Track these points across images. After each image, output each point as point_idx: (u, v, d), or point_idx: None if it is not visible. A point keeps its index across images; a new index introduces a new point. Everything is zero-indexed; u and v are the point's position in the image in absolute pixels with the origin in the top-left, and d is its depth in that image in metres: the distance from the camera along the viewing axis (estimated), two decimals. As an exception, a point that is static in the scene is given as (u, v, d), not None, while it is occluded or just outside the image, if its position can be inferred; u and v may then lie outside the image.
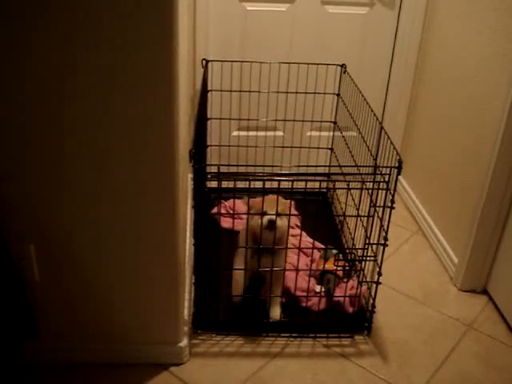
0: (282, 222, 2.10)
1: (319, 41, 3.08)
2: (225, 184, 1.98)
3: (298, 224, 2.76)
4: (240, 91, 2.97)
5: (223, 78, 2.88)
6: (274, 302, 2.23)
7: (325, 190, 3.15)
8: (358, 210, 2.17)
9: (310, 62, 2.88)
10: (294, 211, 2.74)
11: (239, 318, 2.21)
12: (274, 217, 2.07)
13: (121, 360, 2.00)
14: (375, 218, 2.06)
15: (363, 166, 2.17)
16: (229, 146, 3.07)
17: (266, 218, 2.07)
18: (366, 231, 2.14)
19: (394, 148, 1.99)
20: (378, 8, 3.06)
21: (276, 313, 2.22)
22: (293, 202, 2.62)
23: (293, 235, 2.55)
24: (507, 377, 2.08)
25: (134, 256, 1.82)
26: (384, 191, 1.97)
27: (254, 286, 2.29)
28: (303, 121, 3.04)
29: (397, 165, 1.91)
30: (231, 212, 2.75)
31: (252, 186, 1.97)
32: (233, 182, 1.98)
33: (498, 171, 2.26)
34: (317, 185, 3.01)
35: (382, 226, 2.04)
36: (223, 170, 1.98)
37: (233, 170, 2.15)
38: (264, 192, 2.00)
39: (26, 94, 1.53)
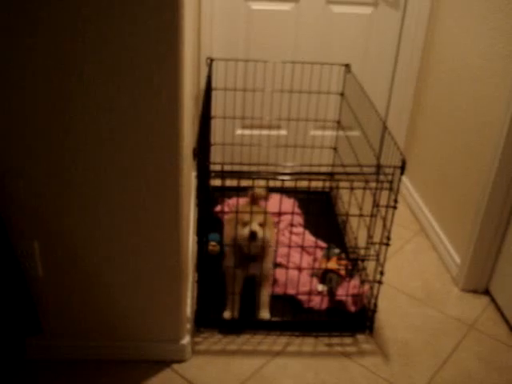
0: (263, 234, 2.11)
1: (323, 40, 3.08)
2: (228, 182, 1.98)
3: (301, 223, 2.77)
4: (244, 90, 2.97)
5: (227, 77, 2.89)
6: (263, 303, 2.23)
7: (328, 190, 3.16)
8: (360, 209, 2.18)
9: (314, 62, 2.88)
10: (297, 210, 2.76)
11: (241, 316, 2.21)
12: (255, 228, 2.08)
13: (123, 357, 2.01)
14: (378, 217, 2.07)
15: (366, 166, 2.18)
16: (232, 144, 3.08)
17: (246, 229, 2.08)
18: (368, 231, 2.14)
19: (398, 148, 1.99)
20: (382, 8, 3.07)
21: (264, 314, 2.23)
22: (296, 201, 2.64)
23: (296, 234, 2.56)
24: (508, 377, 2.08)
25: (137, 253, 1.83)
26: (387, 191, 1.97)
27: (248, 287, 2.30)
28: (307, 120, 3.05)
29: (400, 165, 1.91)
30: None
31: (255, 185, 1.98)
32: (236, 181, 1.98)
33: (501, 172, 2.26)
34: (320, 184, 3.01)
35: (384, 225, 2.05)
36: (227, 168, 1.99)
37: (236, 168, 2.16)
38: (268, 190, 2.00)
39: (29, 93, 1.54)
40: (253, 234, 2.07)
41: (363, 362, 2.10)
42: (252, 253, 2.14)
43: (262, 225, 2.09)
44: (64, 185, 1.69)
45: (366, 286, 2.26)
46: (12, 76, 1.52)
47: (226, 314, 2.20)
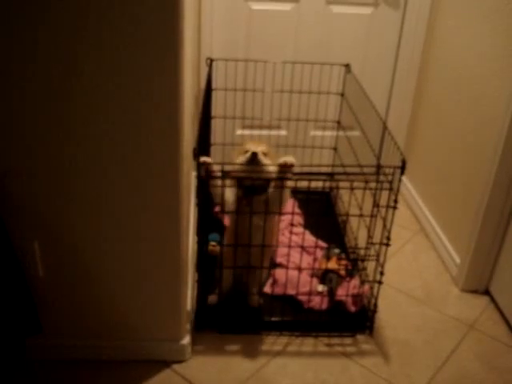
0: (266, 161, 2.04)
1: (324, 40, 3.08)
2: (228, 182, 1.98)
3: (301, 223, 2.77)
4: (244, 90, 2.97)
5: (227, 77, 2.89)
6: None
7: (328, 190, 3.16)
8: (360, 209, 2.18)
9: (314, 62, 2.89)
10: (297, 210, 2.76)
11: (241, 316, 2.21)
12: (257, 150, 2.02)
13: (123, 357, 2.01)
14: (378, 217, 2.07)
15: (366, 166, 2.18)
16: (232, 144, 3.07)
17: (248, 152, 2.03)
18: (368, 231, 2.14)
19: (398, 148, 1.99)
20: (382, 8, 3.07)
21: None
22: (296, 201, 2.63)
23: (296, 234, 2.56)
24: (508, 378, 2.08)
25: (137, 253, 1.83)
26: (387, 191, 1.97)
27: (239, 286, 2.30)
28: (307, 120, 3.05)
29: (400, 165, 1.91)
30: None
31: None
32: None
33: (501, 172, 2.26)
34: (320, 184, 3.01)
35: (384, 225, 2.05)
36: (227, 168, 1.99)
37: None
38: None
39: (29, 93, 1.54)
40: (254, 155, 2.01)
41: (363, 362, 2.10)
42: (255, 183, 2.04)
43: (265, 154, 2.04)
44: (64, 185, 1.69)
45: (366, 286, 2.27)
46: (12, 76, 1.52)
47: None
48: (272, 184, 2.06)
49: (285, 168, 2.00)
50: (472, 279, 2.50)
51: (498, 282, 2.44)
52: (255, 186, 2.05)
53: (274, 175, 2.05)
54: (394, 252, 2.74)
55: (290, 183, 2.02)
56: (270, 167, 2.05)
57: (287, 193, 2.07)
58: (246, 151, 2.05)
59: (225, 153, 3.12)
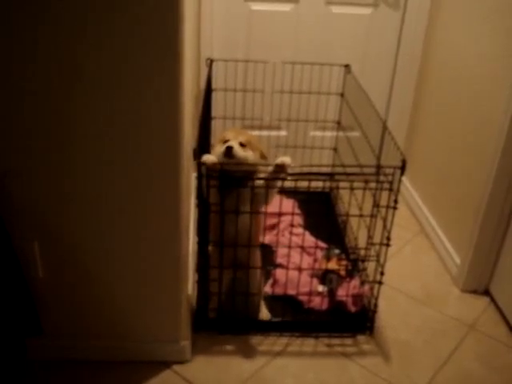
0: (244, 153, 1.99)
1: (323, 41, 3.08)
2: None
3: (301, 223, 2.76)
4: (244, 91, 2.97)
5: (227, 78, 2.89)
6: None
7: (328, 190, 3.15)
8: (360, 209, 2.17)
9: (314, 62, 2.89)
10: (297, 210, 2.76)
11: (241, 317, 2.21)
12: (233, 143, 1.97)
13: (123, 358, 2.01)
14: (378, 218, 2.06)
15: (366, 166, 2.18)
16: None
17: (224, 145, 1.98)
18: (368, 231, 2.14)
19: (398, 148, 1.99)
20: (382, 9, 3.07)
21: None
22: (296, 202, 2.63)
23: (296, 234, 2.56)
24: (508, 378, 2.08)
25: (137, 254, 1.82)
26: (387, 191, 1.97)
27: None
28: (307, 121, 3.05)
29: (400, 165, 1.91)
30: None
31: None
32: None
33: (501, 172, 2.26)
34: (320, 184, 3.01)
35: (384, 226, 2.05)
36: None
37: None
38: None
39: (29, 93, 1.54)
40: (228, 149, 1.95)
41: (363, 362, 2.10)
42: (234, 175, 1.98)
43: (244, 145, 1.99)
44: (64, 185, 1.69)
45: (366, 287, 2.26)
46: (12, 76, 1.52)
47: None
48: (255, 176, 2.02)
49: (281, 168, 1.99)
50: (472, 279, 2.50)
51: (498, 282, 2.44)
52: (235, 178, 1.99)
53: (255, 167, 2.01)
54: (394, 252, 2.74)
55: (285, 183, 2.00)
56: (250, 158, 2.00)
57: (274, 192, 2.04)
58: (225, 141, 2.01)
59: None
